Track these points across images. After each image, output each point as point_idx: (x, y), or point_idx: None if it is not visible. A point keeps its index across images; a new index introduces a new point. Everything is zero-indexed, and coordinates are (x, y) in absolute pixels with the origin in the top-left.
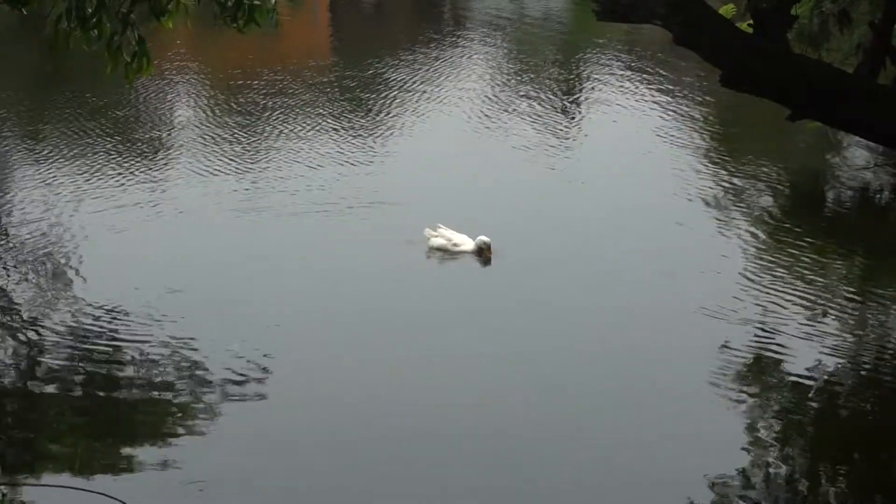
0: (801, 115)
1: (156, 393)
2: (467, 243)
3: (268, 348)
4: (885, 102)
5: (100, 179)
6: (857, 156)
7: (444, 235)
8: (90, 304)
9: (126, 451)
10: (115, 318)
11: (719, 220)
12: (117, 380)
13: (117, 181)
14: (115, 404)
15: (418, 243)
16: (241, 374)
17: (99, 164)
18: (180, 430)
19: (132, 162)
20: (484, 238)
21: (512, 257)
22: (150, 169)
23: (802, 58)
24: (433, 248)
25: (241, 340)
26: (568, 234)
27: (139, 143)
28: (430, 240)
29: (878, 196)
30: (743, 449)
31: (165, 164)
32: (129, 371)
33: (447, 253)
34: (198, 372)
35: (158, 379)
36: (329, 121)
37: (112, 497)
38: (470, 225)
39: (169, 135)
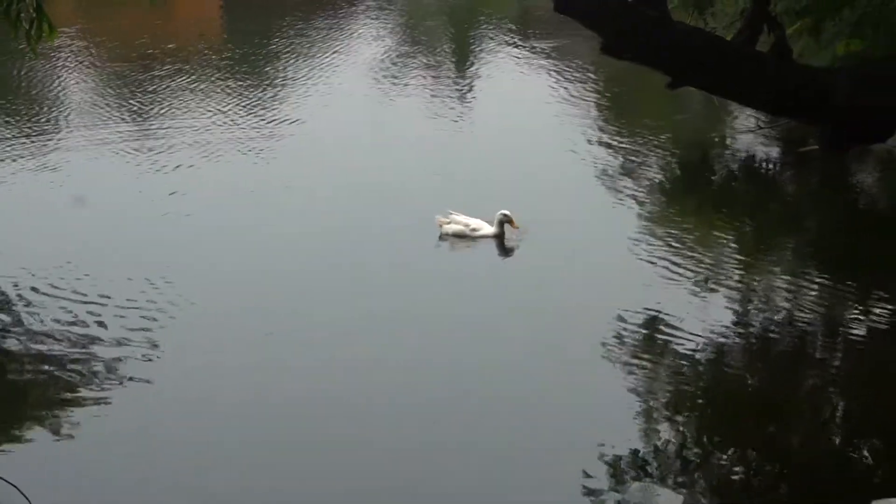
0: (680, 82)
1: (48, 371)
2: (485, 227)
3: (161, 328)
4: (762, 69)
5: None
6: (742, 121)
7: (461, 221)
8: None
9: (14, 432)
10: (9, 295)
11: (608, 192)
12: (6, 359)
13: (9, 154)
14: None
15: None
16: (135, 354)
17: None
18: (74, 409)
19: (25, 136)
20: (504, 211)
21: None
22: (43, 142)
23: (681, 25)
24: (448, 234)
25: (133, 322)
26: (455, 206)
27: (31, 118)
28: (444, 226)
29: (764, 164)
30: (634, 419)
31: (59, 136)
32: (23, 349)
33: (465, 239)
34: (93, 350)
35: (52, 356)
36: (223, 91)
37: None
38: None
39: (60, 108)
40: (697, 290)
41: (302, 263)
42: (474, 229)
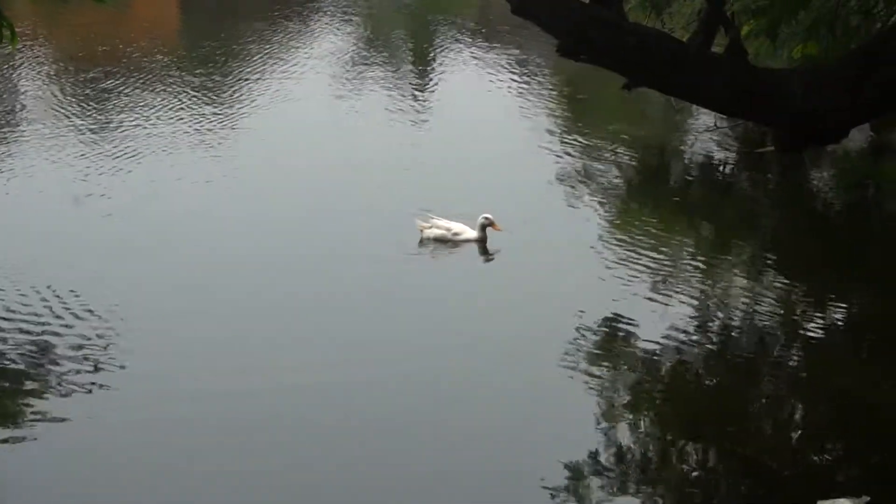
0: (636, 83)
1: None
2: (467, 231)
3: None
4: (717, 71)
5: None
6: (699, 121)
7: (442, 226)
8: None
9: None
10: None
11: (570, 194)
12: None
13: None
14: None
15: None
16: (73, 369)
17: None
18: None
19: None
20: (486, 215)
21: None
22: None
23: (637, 26)
24: (429, 239)
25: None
26: (425, 210)
27: None
28: (425, 231)
29: (721, 165)
30: (595, 428)
31: (14, 140)
32: None
33: (446, 243)
34: (50, 357)
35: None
36: (182, 93)
37: None
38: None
39: (15, 110)
40: (655, 292)
41: (275, 269)
42: (456, 233)
